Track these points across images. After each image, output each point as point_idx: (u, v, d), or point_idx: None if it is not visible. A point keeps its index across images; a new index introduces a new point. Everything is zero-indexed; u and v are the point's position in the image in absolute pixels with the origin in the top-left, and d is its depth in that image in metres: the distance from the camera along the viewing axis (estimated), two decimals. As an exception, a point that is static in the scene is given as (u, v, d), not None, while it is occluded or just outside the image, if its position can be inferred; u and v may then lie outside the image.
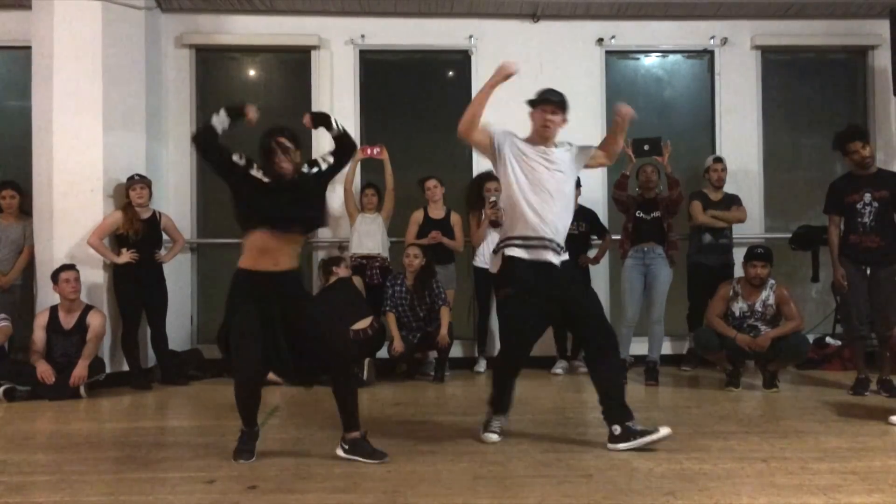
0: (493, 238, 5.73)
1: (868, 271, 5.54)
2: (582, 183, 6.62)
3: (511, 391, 4.33)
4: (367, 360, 6.14)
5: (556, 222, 4.12)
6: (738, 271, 6.50)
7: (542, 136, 4.16)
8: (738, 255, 6.24)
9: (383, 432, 4.43)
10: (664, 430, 3.97)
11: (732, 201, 6.81)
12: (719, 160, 6.91)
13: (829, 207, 5.75)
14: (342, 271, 6.42)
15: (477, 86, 7.22)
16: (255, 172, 3.79)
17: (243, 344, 3.71)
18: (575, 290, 4.22)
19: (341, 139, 4.08)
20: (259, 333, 3.71)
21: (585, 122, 7.23)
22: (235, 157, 3.80)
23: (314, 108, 7.25)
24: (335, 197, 7.11)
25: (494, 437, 4.21)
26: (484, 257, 6.43)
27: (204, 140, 3.82)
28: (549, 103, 4.14)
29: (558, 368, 6.69)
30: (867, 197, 5.53)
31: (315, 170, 3.95)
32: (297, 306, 3.81)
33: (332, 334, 3.93)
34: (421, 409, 5.25)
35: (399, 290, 6.43)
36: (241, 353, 3.74)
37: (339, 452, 3.86)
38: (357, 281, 6.51)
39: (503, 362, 4.33)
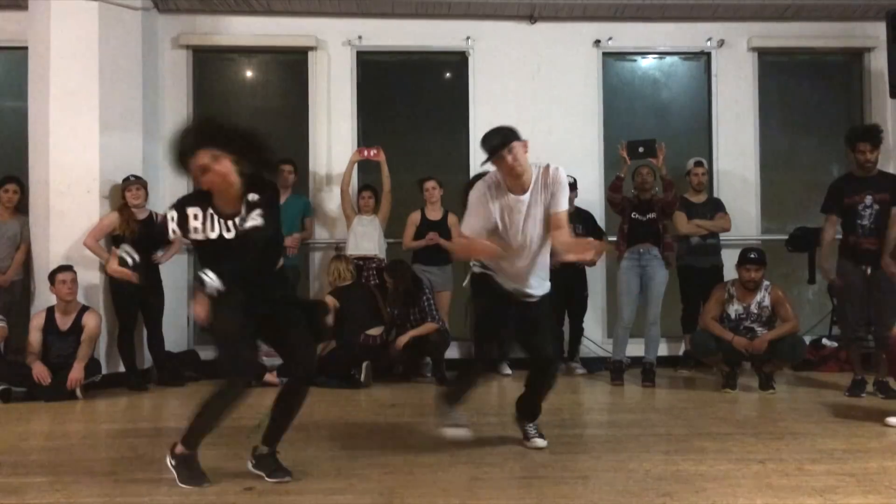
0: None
1: (868, 272, 5.54)
2: (578, 185, 6.66)
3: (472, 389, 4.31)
4: (364, 363, 6.16)
5: None
6: (729, 273, 6.53)
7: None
8: (734, 256, 6.24)
9: (380, 434, 4.43)
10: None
11: (717, 207, 6.82)
12: (700, 163, 6.91)
13: (827, 206, 5.74)
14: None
15: (474, 86, 7.26)
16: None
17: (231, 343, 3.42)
18: None
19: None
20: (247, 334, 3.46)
21: (582, 125, 7.29)
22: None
23: (311, 110, 7.26)
24: (332, 198, 7.12)
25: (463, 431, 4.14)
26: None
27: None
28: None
29: (554, 370, 6.66)
30: (868, 199, 5.52)
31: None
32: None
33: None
34: (418, 410, 5.23)
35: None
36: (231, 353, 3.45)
37: (248, 465, 3.59)
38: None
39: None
